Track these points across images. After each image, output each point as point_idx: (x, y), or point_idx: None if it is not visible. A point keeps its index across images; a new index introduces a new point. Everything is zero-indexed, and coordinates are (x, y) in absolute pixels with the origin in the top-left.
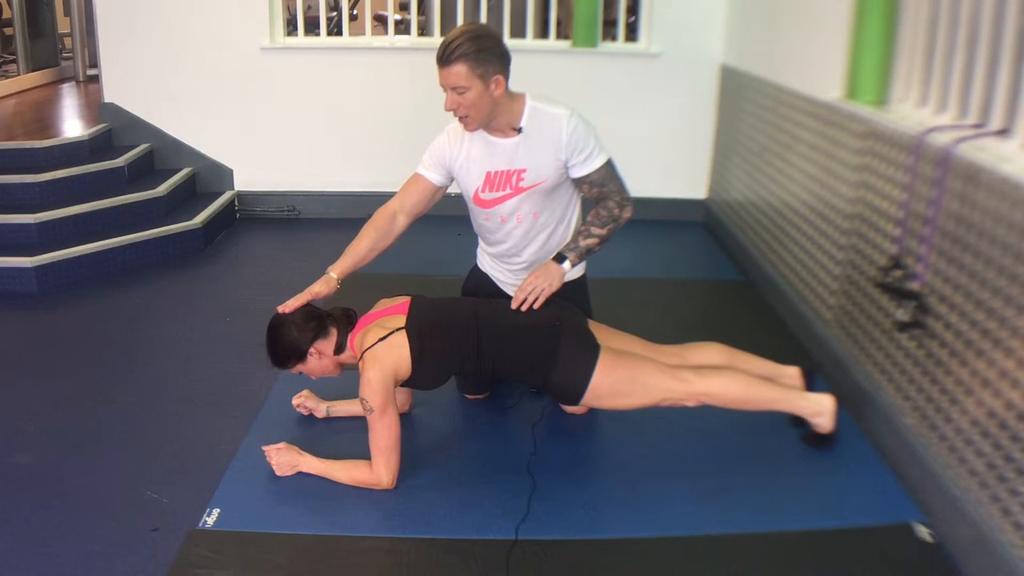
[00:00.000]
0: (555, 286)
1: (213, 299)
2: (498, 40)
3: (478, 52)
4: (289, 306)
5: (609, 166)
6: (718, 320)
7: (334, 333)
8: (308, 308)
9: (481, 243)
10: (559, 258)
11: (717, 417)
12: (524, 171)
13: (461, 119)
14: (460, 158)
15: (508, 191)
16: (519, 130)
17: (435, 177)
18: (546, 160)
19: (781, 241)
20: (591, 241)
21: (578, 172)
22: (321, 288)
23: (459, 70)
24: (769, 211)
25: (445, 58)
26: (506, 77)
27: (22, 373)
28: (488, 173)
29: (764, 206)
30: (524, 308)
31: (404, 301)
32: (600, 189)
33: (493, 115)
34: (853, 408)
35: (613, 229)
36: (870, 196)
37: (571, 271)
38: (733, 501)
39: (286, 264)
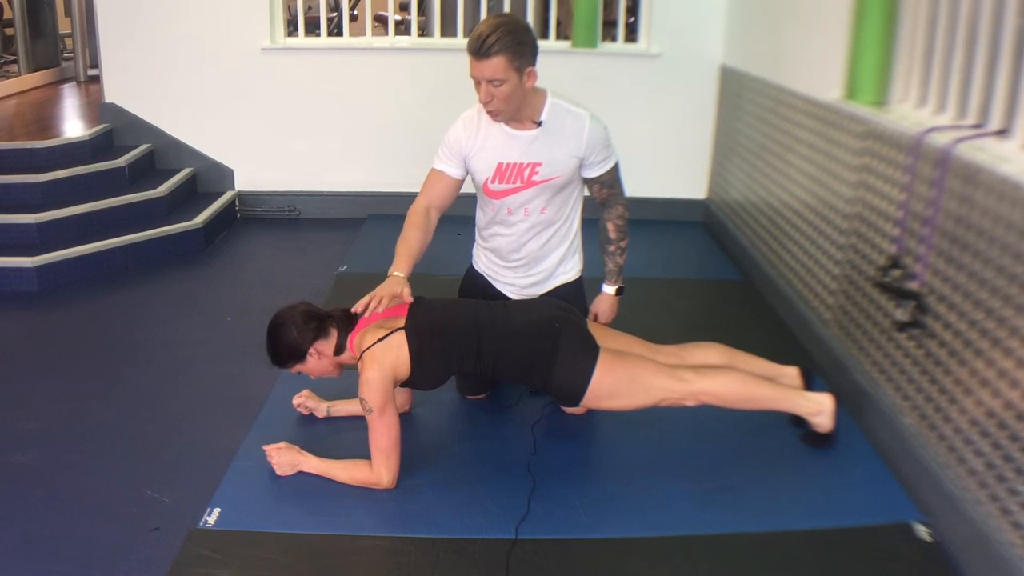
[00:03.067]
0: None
1: (213, 299)
2: (530, 31)
3: (516, 44)
4: (361, 306)
5: (617, 168)
6: (718, 320)
7: (334, 334)
8: (308, 308)
9: (479, 239)
10: (608, 286)
11: (717, 417)
12: (539, 165)
13: (489, 111)
14: (475, 147)
15: (518, 184)
16: (539, 124)
17: (453, 171)
18: (563, 156)
19: (781, 241)
20: (624, 258)
21: (594, 172)
22: (399, 288)
23: (497, 63)
24: (769, 211)
25: (483, 51)
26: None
27: (22, 373)
28: (500, 164)
29: (764, 206)
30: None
31: (404, 302)
32: (609, 190)
33: (521, 107)
34: (853, 408)
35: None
36: (869, 196)
37: (570, 274)
38: (733, 501)
39: (286, 264)
